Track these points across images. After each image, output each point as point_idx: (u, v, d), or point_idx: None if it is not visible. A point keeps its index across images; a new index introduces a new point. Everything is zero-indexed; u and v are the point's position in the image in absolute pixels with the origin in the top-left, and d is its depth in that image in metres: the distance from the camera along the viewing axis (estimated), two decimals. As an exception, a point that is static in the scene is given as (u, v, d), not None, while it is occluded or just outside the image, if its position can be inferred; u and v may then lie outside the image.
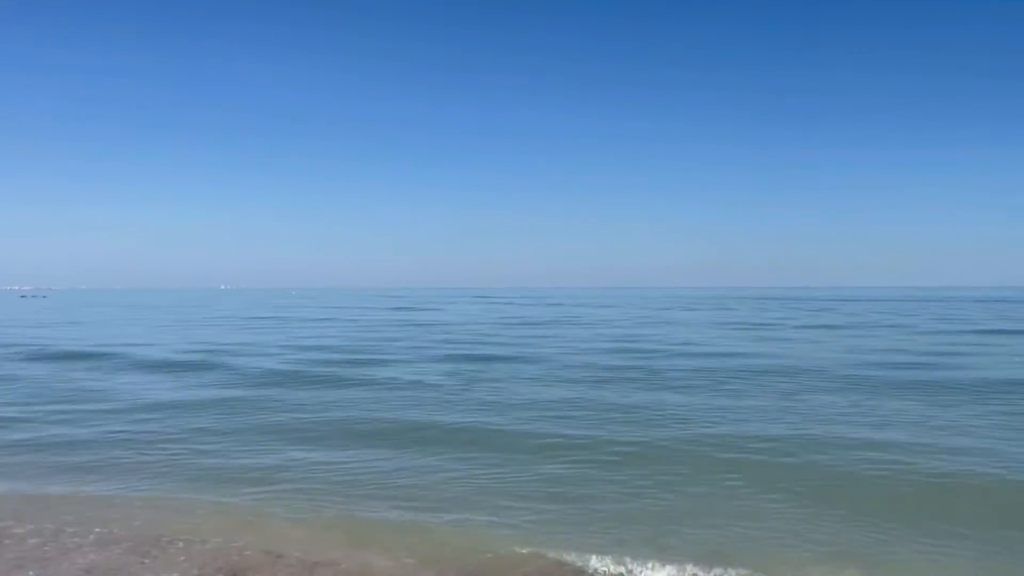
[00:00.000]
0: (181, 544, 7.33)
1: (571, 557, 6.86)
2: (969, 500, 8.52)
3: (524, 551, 7.05)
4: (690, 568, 6.59)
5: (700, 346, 27.92)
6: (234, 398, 15.94)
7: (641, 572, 6.60)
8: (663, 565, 6.65)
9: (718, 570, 6.55)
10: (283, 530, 7.77)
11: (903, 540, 7.33)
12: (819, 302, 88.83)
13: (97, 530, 7.71)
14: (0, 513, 8.39)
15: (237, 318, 55.06)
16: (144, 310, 73.44)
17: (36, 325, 46.92)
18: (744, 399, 15.35)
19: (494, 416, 13.61)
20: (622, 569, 6.63)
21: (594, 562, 6.76)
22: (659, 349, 26.39)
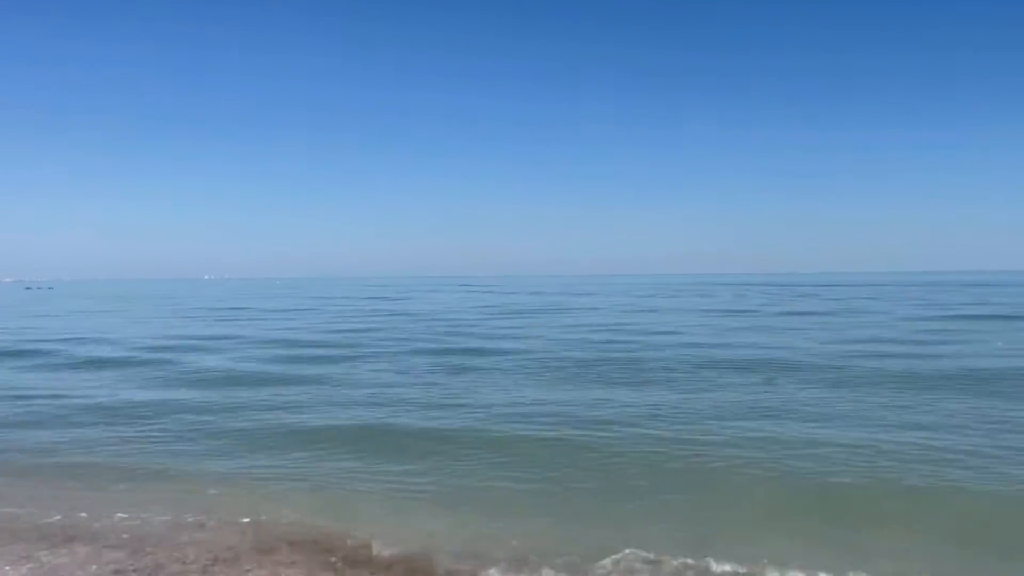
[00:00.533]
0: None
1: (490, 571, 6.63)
2: (933, 506, 8.23)
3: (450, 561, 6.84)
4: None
5: (676, 335, 27.70)
6: (182, 400, 15.49)
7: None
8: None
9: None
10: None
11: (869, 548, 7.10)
12: (804, 287, 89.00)
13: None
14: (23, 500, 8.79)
15: (213, 309, 54.43)
16: (124, 301, 72.60)
17: (31, 316, 46.23)
18: (709, 393, 15.11)
19: (456, 417, 13.15)
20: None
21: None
22: (635, 340, 26.12)
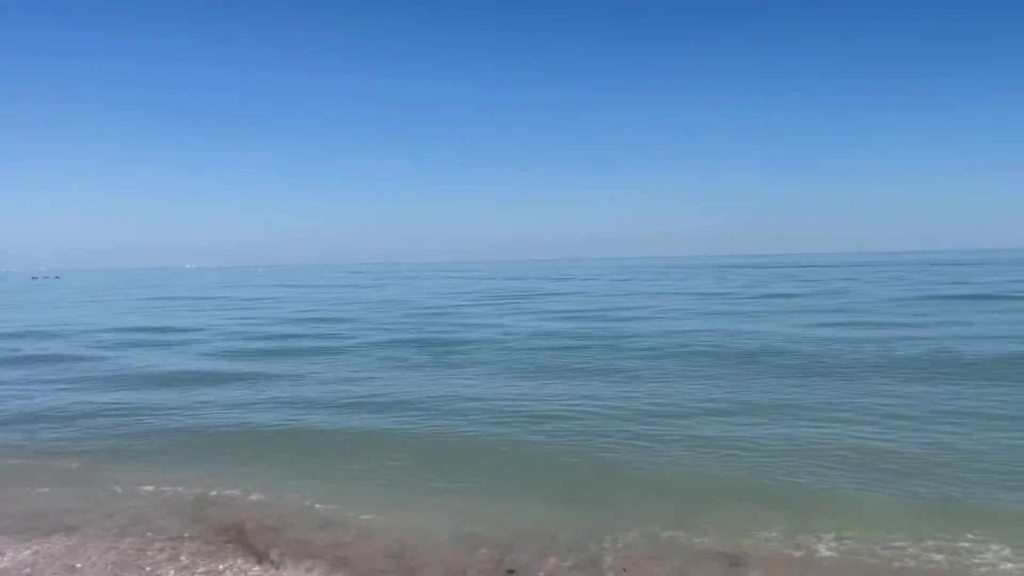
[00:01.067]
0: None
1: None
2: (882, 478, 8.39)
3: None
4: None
5: (655, 321, 27.74)
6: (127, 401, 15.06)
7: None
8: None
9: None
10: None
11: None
12: (786, 268, 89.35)
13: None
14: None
15: (192, 299, 53.93)
16: (112, 291, 71.83)
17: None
18: (679, 383, 15.02)
19: (427, 413, 12.59)
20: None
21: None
22: (610, 327, 26.04)
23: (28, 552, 6.95)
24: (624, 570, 6.29)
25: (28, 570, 6.55)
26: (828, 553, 6.53)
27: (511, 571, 6.38)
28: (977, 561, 6.28)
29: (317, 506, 8.09)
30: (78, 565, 6.63)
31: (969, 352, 17.01)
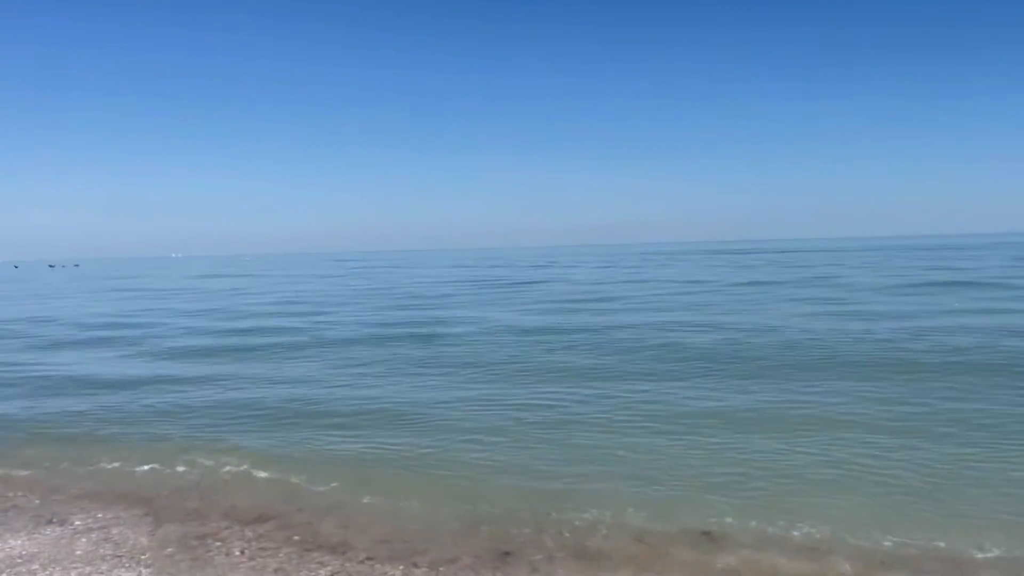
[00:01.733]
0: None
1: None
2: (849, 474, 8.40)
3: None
4: None
5: (638, 312, 27.70)
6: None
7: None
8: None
9: None
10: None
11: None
12: (769, 254, 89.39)
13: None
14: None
15: (146, 291, 53.60)
16: (100, 280, 71.37)
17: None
18: (656, 382, 14.98)
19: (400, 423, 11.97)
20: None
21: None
22: (566, 326, 26.01)
23: (19, 543, 6.94)
24: None
25: (20, 560, 6.53)
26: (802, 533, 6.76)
27: (507, 553, 6.42)
28: (950, 551, 6.33)
29: (316, 489, 8.18)
30: (74, 555, 6.62)
31: (955, 344, 16.66)
